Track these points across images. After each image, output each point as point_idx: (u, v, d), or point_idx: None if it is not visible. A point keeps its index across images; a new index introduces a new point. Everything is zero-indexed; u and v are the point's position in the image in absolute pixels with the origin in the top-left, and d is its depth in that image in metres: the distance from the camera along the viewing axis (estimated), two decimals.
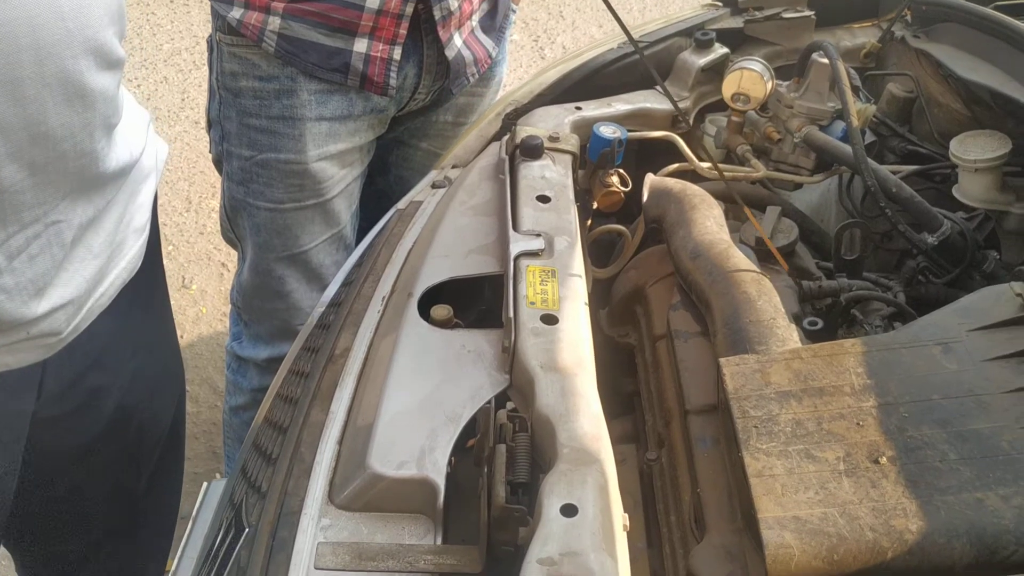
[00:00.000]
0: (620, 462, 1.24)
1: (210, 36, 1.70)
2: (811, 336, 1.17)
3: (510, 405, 0.99)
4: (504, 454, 0.87)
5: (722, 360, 1.00)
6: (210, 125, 1.77)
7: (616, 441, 1.28)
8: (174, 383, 1.49)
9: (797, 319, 1.20)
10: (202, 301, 2.84)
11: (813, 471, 0.87)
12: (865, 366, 0.96)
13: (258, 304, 1.81)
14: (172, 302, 1.57)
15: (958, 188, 1.37)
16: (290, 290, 1.76)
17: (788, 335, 1.05)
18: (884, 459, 0.87)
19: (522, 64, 4.09)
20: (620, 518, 0.83)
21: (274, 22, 1.57)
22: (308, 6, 1.57)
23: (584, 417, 0.91)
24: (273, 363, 1.81)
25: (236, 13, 1.59)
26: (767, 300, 1.09)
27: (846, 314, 1.28)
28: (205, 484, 1.21)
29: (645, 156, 1.53)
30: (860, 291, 1.27)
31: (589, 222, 1.45)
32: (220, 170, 1.78)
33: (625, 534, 0.84)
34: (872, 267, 1.50)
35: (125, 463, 1.41)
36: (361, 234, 1.76)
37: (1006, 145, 1.32)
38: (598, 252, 1.53)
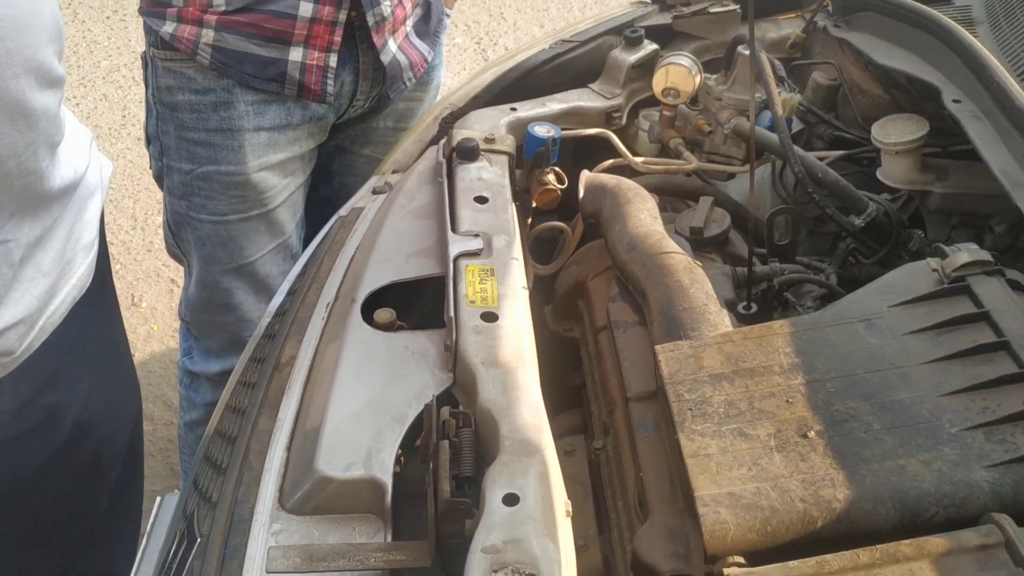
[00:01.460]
0: (570, 453, 1.28)
1: (144, 52, 1.70)
2: (745, 320, 1.21)
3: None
4: (448, 449, 0.89)
5: (657, 347, 1.03)
6: (149, 141, 1.77)
7: (566, 433, 1.32)
8: (130, 398, 1.49)
9: (732, 305, 1.24)
10: (153, 319, 2.82)
11: (746, 448, 0.90)
12: (793, 346, 1.00)
13: (207, 318, 1.81)
14: (123, 320, 1.57)
15: (881, 171, 1.42)
16: (238, 302, 1.76)
17: (720, 320, 1.09)
18: (812, 433, 0.91)
19: (465, 67, 4.11)
20: (563, 504, 0.86)
21: (208, 35, 1.58)
22: (241, 17, 1.57)
23: (525, 409, 0.94)
24: (225, 376, 1.80)
25: (169, 27, 1.60)
26: (699, 287, 1.13)
27: (780, 297, 1.32)
28: (159, 499, 1.22)
29: (581, 153, 1.56)
30: (792, 275, 1.32)
31: (529, 220, 1.48)
32: (161, 185, 1.78)
33: (568, 520, 0.87)
34: (807, 251, 1.54)
35: (85, 481, 1.40)
36: (306, 243, 1.77)
37: (924, 127, 1.37)
38: (540, 249, 1.56)
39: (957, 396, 0.92)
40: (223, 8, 1.57)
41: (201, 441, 1.21)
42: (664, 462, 1.01)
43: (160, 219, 3.09)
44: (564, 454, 1.26)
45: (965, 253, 1.04)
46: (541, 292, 1.48)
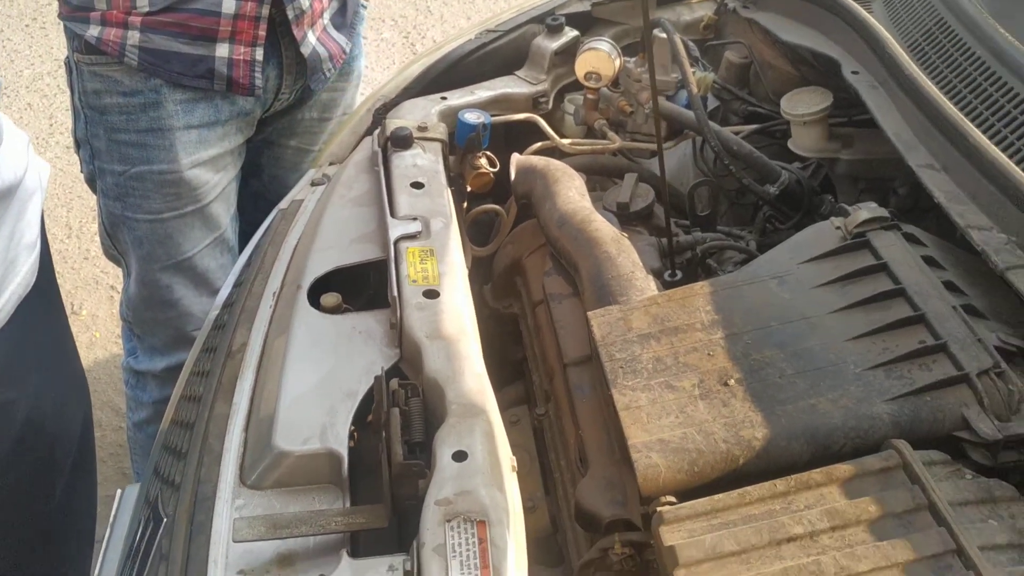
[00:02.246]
0: (515, 423, 1.35)
1: (67, 57, 1.71)
2: (672, 287, 1.29)
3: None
4: (399, 417, 0.95)
5: (590, 313, 1.10)
6: (78, 145, 1.78)
7: (510, 405, 1.39)
8: (80, 395, 1.52)
9: (659, 273, 1.32)
10: (94, 326, 2.81)
11: (673, 399, 0.98)
12: (712, 304, 1.08)
13: (149, 316, 1.84)
14: (68, 321, 1.59)
15: (792, 141, 1.52)
16: (178, 297, 1.79)
17: (646, 285, 1.16)
18: (732, 381, 0.99)
19: (395, 61, 4.13)
20: (508, 460, 0.93)
21: (134, 36, 1.60)
22: (165, 17, 1.60)
23: (469, 376, 1.00)
24: (171, 372, 1.84)
25: (94, 31, 1.61)
26: (626, 257, 1.21)
27: (704, 264, 1.41)
28: (119, 491, 1.25)
29: (511, 137, 1.62)
30: (713, 242, 1.40)
31: (465, 204, 1.54)
32: (94, 189, 1.80)
33: (514, 474, 0.93)
34: (731, 221, 1.63)
35: (38, 479, 1.43)
36: (243, 236, 1.81)
37: (828, 99, 1.47)
38: (477, 232, 1.62)
39: (860, 340, 1.01)
40: (147, 9, 1.60)
41: (159, 433, 1.25)
42: (601, 419, 1.09)
43: (95, 227, 3.08)
44: (509, 424, 1.32)
45: (865, 211, 1.14)
46: (480, 273, 1.54)
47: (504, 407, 1.37)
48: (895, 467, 0.88)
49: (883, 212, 1.14)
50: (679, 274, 1.32)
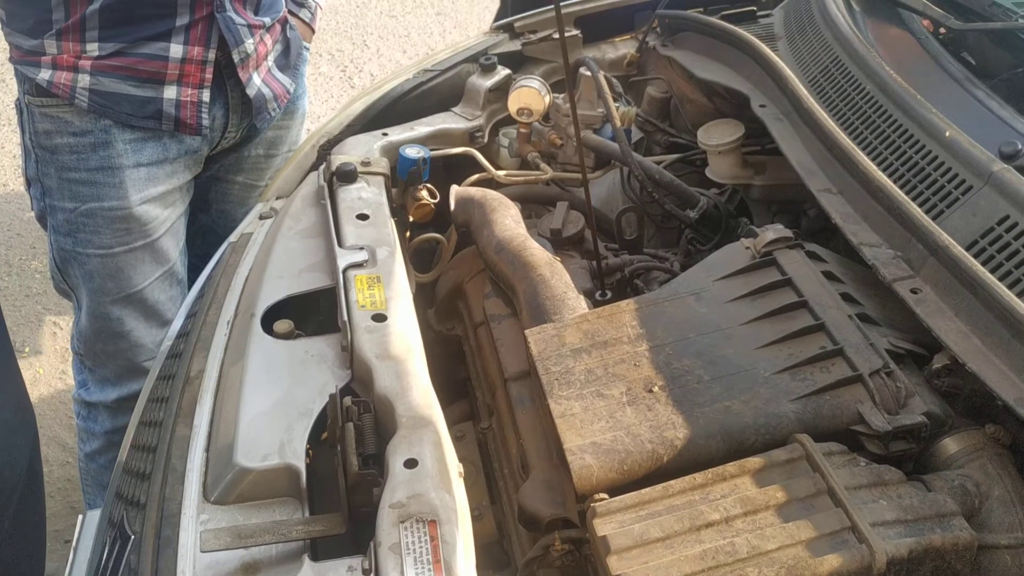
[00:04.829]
0: (460, 438, 1.44)
1: (18, 99, 1.76)
2: (601, 305, 1.39)
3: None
4: (353, 431, 1.03)
5: (527, 331, 1.20)
6: (29, 183, 1.82)
7: (456, 421, 1.48)
8: (26, 427, 1.54)
9: (590, 293, 1.43)
10: (38, 363, 2.81)
11: (603, 406, 1.08)
12: (638, 319, 1.19)
13: (100, 348, 1.88)
14: (13, 350, 1.62)
15: (709, 169, 1.65)
16: (129, 329, 1.84)
17: (578, 304, 1.27)
18: (656, 388, 1.09)
19: (333, 95, 4.21)
20: (455, 466, 1.01)
21: (84, 79, 1.66)
22: (115, 61, 1.67)
23: (416, 391, 1.09)
24: (123, 403, 1.88)
25: (45, 74, 1.67)
26: (559, 279, 1.31)
27: (632, 284, 1.51)
28: (81, 516, 1.29)
29: (450, 169, 1.72)
30: (640, 264, 1.51)
31: (408, 234, 1.63)
32: (44, 226, 1.84)
33: (461, 480, 1.02)
34: (659, 244, 1.75)
35: None
36: (192, 270, 1.87)
37: (740, 130, 1.60)
38: (420, 260, 1.71)
39: (769, 347, 1.12)
40: (97, 54, 1.66)
41: (118, 459, 1.30)
42: (540, 428, 1.18)
43: (35, 263, 3.09)
44: (456, 439, 1.41)
45: (771, 232, 1.26)
46: (424, 298, 1.63)
47: (450, 423, 1.45)
48: (799, 458, 0.99)
49: (787, 233, 1.26)
50: (608, 293, 1.43)
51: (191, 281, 1.78)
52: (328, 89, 4.26)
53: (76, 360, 1.96)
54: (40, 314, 2.96)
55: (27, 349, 2.84)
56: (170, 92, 1.71)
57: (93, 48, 1.66)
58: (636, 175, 1.57)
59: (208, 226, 2.01)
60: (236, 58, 1.75)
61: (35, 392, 2.69)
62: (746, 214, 1.67)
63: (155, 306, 1.85)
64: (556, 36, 1.89)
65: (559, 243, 1.55)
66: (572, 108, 1.29)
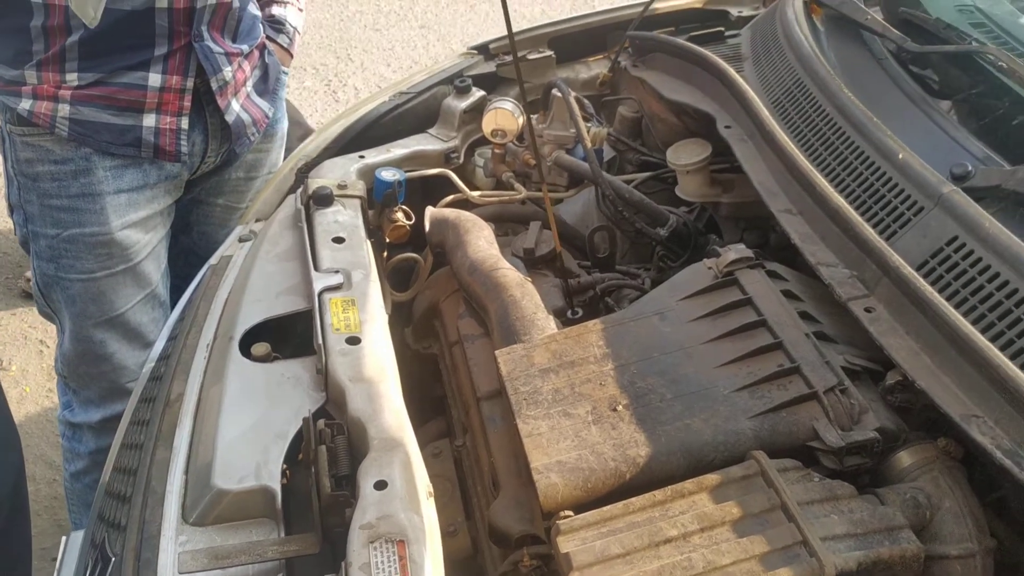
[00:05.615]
0: (437, 455, 1.47)
1: (0, 128, 1.79)
2: (572, 324, 1.43)
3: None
4: (326, 453, 1.07)
5: (497, 352, 1.24)
6: (12, 210, 1.86)
7: (433, 438, 1.52)
8: (11, 448, 1.57)
9: (562, 311, 1.46)
10: (24, 381, 2.83)
11: (569, 425, 1.11)
12: (604, 339, 1.23)
13: (84, 370, 1.90)
14: None
15: (678, 187, 1.69)
16: (112, 352, 1.87)
17: (547, 324, 1.30)
18: (620, 407, 1.13)
19: (317, 109, 4.25)
20: (425, 487, 1.05)
21: (64, 109, 1.70)
22: (94, 91, 1.70)
23: (388, 414, 1.12)
24: (107, 423, 1.91)
25: (26, 104, 1.70)
26: (529, 299, 1.35)
27: (604, 302, 1.55)
28: (64, 538, 1.32)
29: (427, 190, 1.76)
30: (611, 282, 1.55)
31: (385, 254, 1.67)
32: (28, 251, 1.87)
33: (431, 500, 1.05)
34: (633, 260, 1.79)
35: None
36: (174, 291, 1.90)
37: (707, 150, 1.64)
38: (398, 279, 1.75)
39: (729, 366, 1.16)
40: (76, 83, 1.69)
41: (100, 481, 1.33)
42: (510, 446, 1.22)
43: (21, 283, 3.11)
44: (432, 456, 1.45)
45: (733, 252, 1.30)
46: (401, 316, 1.67)
47: (427, 440, 1.49)
48: (754, 475, 1.03)
49: (749, 253, 1.30)
50: (580, 312, 1.47)
51: (173, 302, 1.82)
52: (312, 103, 4.29)
53: (60, 382, 1.99)
54: (27, 332, 2.98)
55: (14, 368, 2.86)
56: (149, 120, 1.74)
57: (72, 78, 1.69)
58: (607, 193, 1.61)
59: (189, 248, 2.04)
60: (215, 86, 1.78)
61: (22, 410, 2.71)
62: (715, 231, 1.71)
63: (137, 328, 1.88)
64: (531, 57, 1.94)
65: (531, 262, 1.59)
66: (529, 129, 1.33)
